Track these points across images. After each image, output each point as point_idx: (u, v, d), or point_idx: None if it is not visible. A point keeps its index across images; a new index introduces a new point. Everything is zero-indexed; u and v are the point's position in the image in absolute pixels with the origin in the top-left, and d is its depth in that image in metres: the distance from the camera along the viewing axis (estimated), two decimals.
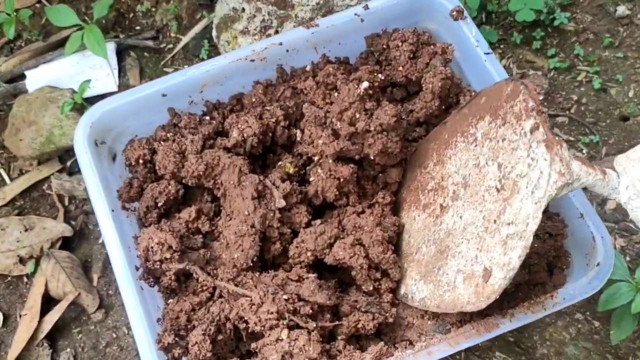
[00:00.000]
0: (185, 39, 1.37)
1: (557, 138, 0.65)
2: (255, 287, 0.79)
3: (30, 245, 1.22)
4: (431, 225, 0.81)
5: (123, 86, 1.35)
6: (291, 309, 0.75)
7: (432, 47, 0.91)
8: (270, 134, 0.91)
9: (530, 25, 1.28)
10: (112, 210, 0.85)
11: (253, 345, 0.75)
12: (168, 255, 0.80)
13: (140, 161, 0.90)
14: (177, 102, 0.94)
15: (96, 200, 0.85)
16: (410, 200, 0.87)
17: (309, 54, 0.95)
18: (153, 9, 1.42)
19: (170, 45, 1.38)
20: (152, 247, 0.81)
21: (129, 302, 0.79)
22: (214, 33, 1.29)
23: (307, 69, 0.95)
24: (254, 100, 0.94)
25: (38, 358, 1.12)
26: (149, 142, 0.92)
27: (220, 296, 0.82)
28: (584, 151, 1.16)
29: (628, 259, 1.04)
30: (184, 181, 0.90)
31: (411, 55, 0.91)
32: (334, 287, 0.83)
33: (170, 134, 0.92)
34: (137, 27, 1.41)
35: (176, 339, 0.78)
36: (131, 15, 1.42)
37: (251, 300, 0.76)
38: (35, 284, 1.17)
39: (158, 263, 0.81)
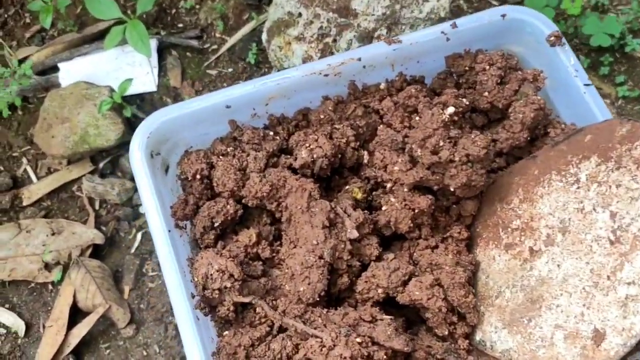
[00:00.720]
0: (231, 41, 1.30)
1: None
2: (325, 326, 0.72)
3: (57, 250, 1.15)
4: (517, 269, 0.74)
5: (162, 86, 1.27)
6: (365, 354, 0.68)
7: (520, 72, 0.84)
8: (340, 156, 0.84)
9: (599, 50, 1.21)
10: (169, 231, 0.78)
11: None
12: (229, 285, 0.73)
13: (198, 176, 0.83)
14: (239, 114, 0.87)
15: (153, 218, 0.77)
16: (488, 236, 0.80)
17: (384, 71, 0.88)
18: (197, 6, 1.34)
19: (215, 46, 1.30)
20: (211, 275, 0.74)
21: (186, 335, 0.72)
22: (263, 37, 1.22)
23: (382, 87, 0.88)
24: (321, 117, 0.87)
25: None
26: (206, 156, 0.85)
27: (280, 330, 0.75)
28: None
29: None
30: (243, 201, 0.82)
31: (498, 81, 0.84)
32: (403, 325, 0.76)
33: (231, 148, 0.85)
34: (180, 25, 1.33)
35: None
36: (174, 11, 1.35)
37: (322, 342, 0.69)
38: (62, 293, 1.10)
39: (217, 292, 0.74)
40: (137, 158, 0.80)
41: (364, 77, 0.88)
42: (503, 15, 0.85)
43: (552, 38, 0.83)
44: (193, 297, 0.76)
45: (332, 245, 0.76)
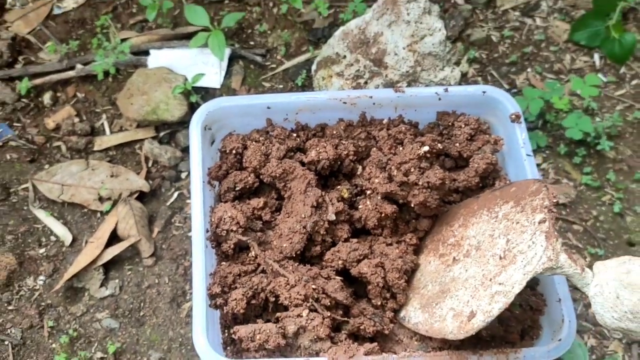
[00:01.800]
0: (287, 64, 1.61)
1: (555, 233, 0.84)
2: (293, 272, 0.99)
3: (111, 189, 1.44)
4: (441, 270, 1.00)
5: (224, 86, 1.58)
6: (315, 296, 0.95)
7: (487, 136, 1.11)
8: (339, 163, 1.12)
9: (577, 142, 1.47)
10: (203, 182, 1.07)
11: (277, 314, 0.95)
12: (234, 228, 1.02)
13: (233, 151, 1.12)
14: (275, 115, 1.16)
15: (195, 169, 1.07)
16: (431, 247, 1.06)
17: (388, 111, 1.16)
18: (269, 32, 1.66)
19: (274, 65, 1.62)
20: (224, 218, 1.02)
21: (196, 252, 1.00)
22: (313, 67, 1.53)
23: (384, 122, 1.16)
24: (334, 132, 1.15)
25: (91, 279, 1.33)
26: (243, 139, 1.14)
27: (262, 272, 1.02)
28: (587, 259, 1.33)
29: (594, 357, 1.21)
30: (261, 177, 1.11)
31: (469, 137, 1.11)
32: (350, 293, 1.03)
33: (262, 138, 1.14)
34: (251, 42, 1.65)
35: (221, 291, 0.98)
36: (249, 31, 1.67)
37: (287, 281, 0.96)
38: (107, 220, 1.40)
39: (225, 231, 1.02)
40: (194, 126, 1.10)
41: (373, 111, 1.16)
42: (484, 92, 1.13)
43: (513, 116, 1.10)
44: (207, 231, 1.04)
45: (314, 221, 1.04)
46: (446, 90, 1.13)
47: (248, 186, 1.11)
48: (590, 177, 1.44)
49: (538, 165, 1.45)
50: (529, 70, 1.61)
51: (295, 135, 1.16)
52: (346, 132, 1.16)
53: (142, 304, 1.32)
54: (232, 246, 1.02)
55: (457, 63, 1.61)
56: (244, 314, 0.98)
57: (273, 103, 1.14)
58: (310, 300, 0.94)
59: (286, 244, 1.02)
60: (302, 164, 1.11)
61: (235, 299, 0.96)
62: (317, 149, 1.10)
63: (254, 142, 1.13)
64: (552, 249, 0.83)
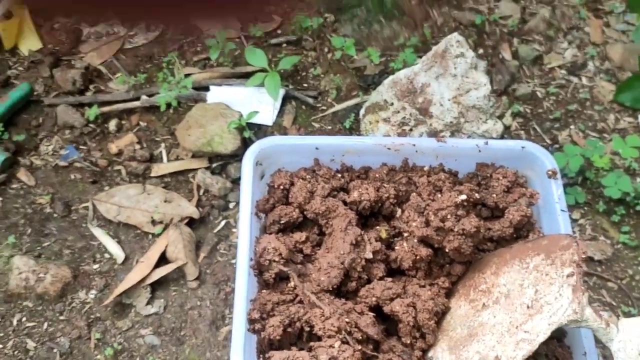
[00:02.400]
0: (337, 107, 1.69)
1: (582, 287, 0.88)
2: (328, 305, 1.05)
3: (164, 213, 1.54)
4: (470, 315, 1.04)
5: (276, 124, 1.67)
6: (348, 329, 1.00)
7: (524, 189, 1.16)
8: (380, 205, 1.18)
9: (616, 201, 1.49)
10: (251, 213, 1.15)
11: (311, 344, 1.01)
12: (277, 258, 1.08)
13: (280, 187, 1.20)
14: (323, 155, 1.24)
15: (244, 201, 1.15)
16: (462, 292, 1.11)
17: (430, 158, 1.22)
18: (322, 75, 1.76)
19: (324, 107, 1.70)
20: (267, 249, 1.09)
21: (239, 278, 1.07)
22: (361, 111, 1.60)
23: (425, 169, 1.22)
24: (377, 175, 1.22)
25: (139, 297, 1.42)
26: (291, 176, 1.22)
27: (300, 302, 1.08)
28: (620, 317, 1.34)
29: None
30: (305, 212, 1.18)
31: (505, 189, 1.16)
32: (382, 330, 1.07)
33: (309, 176, 1.21)
34: (305, 85, 1.75)
35: (260, 317, 1.05)
36: (304, 74, 1.77)
37: (322, 313, 1.02)
38: (158, 243, 1.49)
39: (267, 261, 1.09)
40: (247, 161, 1.19)
41: (415, 158, 1.23)
42: (523, 147, 1.18)
43: (550, 172, 1.15)
44: (251, 260, 1.11)
45: (352, 258, 1.10)
46: (486, 143, 1.18)
47: (292, 220, 1.18)
48: (628, 236, 1.45)
49: (575, 220, 1.48)
50: (572, 127, 1.65)
51: (340, 175, 1.23)
52: (388, 176, 1.22)
53: (183, 324, 1.39)
54: (273, 275, 1.09)
55: (501, 116, 1.66)
56: (279, 340, 1.04)
57: (321, 144, 1.21)
58: (343, 332, 0.99)
59: (324, 277, 1.08)
60: (345, 203, 1.18)
61: (273, 326, 1.02)
62: (360, 190, 1.16)
63: (300, 180, 1.20)
64: (578, 302, 0.86)
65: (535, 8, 1.91)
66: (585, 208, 1.51)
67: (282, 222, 1.17)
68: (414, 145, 1.20)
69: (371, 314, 1.05)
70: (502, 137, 1.52)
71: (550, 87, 1.73)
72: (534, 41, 1.83)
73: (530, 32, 1.85)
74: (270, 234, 1.16)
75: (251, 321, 1.05)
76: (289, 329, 1.04)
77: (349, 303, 1.07)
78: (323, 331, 1.00)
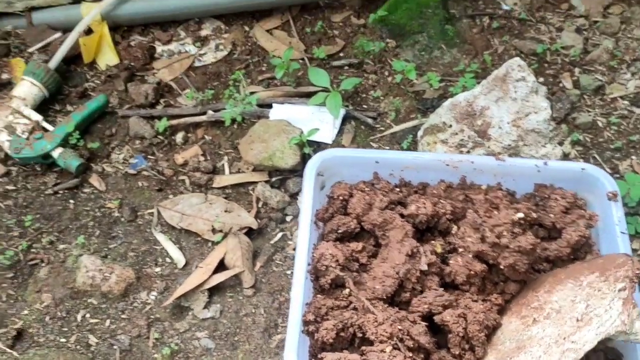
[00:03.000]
0: (396, 128, 1.73)
1: (634, 302, 0.88)
2: (382, 312, 1.07)
3: (224, 222, 1.59)
4: (520, 330, 1.04)
5: (335, 142, 1.72)
6: (400, 336, 1.02)
7: (582, 211, 1.16)
8: (436, 220, 1.20)
9: None
10: (311, 221, 1.19)
11: (362, 348, 1.03)
12: (333, 265, 1.12)
13: (340, 198, 1.24)
14: (382, 169, 1.27)
15: (305, 209, 1.19)
16: (514, 310, 1.11)
17: (488, 177, 1.24)
18: (382, 97, 1.80)
19: (383, 128, 1.74)
20: (325, 255, 1.13)
21: (297, 281, 1.11)
22: (419, 133, 1.63)
23: (482, 187, 1.24)
24: (434, 192, 1.24)
25: (197, 301, 1.47)
26: (350, 188, 1.26)
27: (354, 309, 1.11)
28: None
29: None
30: (362, 223, 1.21)
31: (564, 210, 1.17)
32: (433, 341, 1.09)
33: (368, 189, 1.25)
34: (365, 106, 1.79)
35: (314, 320, 1.08)
36: (364, 95, 1.82)
37: (375, 318, 1.05)
38: (217, 250, 1.54)
39: (324, 266, 1.12)
40: (309, 171, 1.23)
41: (473, 176, 1.25)
42: (583, 169, 1.18)
43: (610, 194, 1.15)
44: (308, 265, 1.15)
45: (407, 269, 1.12)
46: (546, 163, 1.19)
47: (350, 230, 1.21)
48: None
49: (634, 250, 1.46)
50: (633, 157, 1.64)
51: (398, 189, 1.26)
52: (446, 192, 1.25)
53: (237, 330, 1.43)
54: (329, 281, 1.12)
55: (560, 144, 1.66)
56: (332, 344, 1.06)
57: (381, 158, 1.25)
58: (395, 338, 1.01)
59: (379, 285, 1.11)
60: (402, 216, 1.21)
61: (327, 329, 1.05)
62: (417, 204, 1.19)
63: (359, 192, 1.24)
64: (627, 314, 0.86)
65: (598, 39, 1.91)
66: None
67: (339, 231, 1.21)
68: (472, 162, 1.22)
69: (423, 323, 1.06)
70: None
71: (611, 117, 1.72)
72: (596, 71, 1.83)
73: (592, 63, 1.85)
74: (328, 241, 1.20)
75: (306, 323, 1.08)
76: (342, 334, 1.07)
77: (402, 312, 1.09)
78: (375, 336, 1.02)
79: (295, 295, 1.09)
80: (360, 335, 1.06)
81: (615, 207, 1.13)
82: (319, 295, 1.14)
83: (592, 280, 0.99)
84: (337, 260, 1.12)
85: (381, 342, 1.01)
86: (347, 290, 1.12)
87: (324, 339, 1.05)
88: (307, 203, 1.20)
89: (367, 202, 1.21)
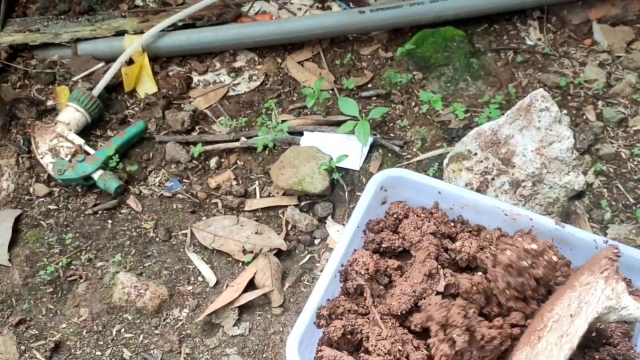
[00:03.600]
0: (422, 156, 1.78)
1: (616, 277, 0.91)
2: (389, 328, 1.11)
3: (254, 244, 1.65)
4: (529, 353, 1.06)
5: (363, 169, 1.78)
6: (397, 356, 1.06)
7: None
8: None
9: None
10: (358, 227, 1.27)
11: (361, 355, 1.08)
12: (362, 272, 1.17)
13: (394, 215, 1.31)
14: (444, 201, 1.33)
15: (356, 212, 1.27)
16: (524, 341, 1.13)
17: (544, 238, 1.19)
18: (408, 127, 1.86)
19: (409, 156, 1.80)
20: (358, 260, 1.19)
21: (325, 275, 1.18)
22: (445, 160, 1.68)
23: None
24: (487, 236, 1.28)
25: (227, 317, 1.52)
26: (408, 209, 1.33)
27: (367, 318, 1.16)
28: None
29: None
30: (404, 244, 1.27)
31: None
32: None
33: (424, 215, 1.31)
34: (392, 134, 1.86)
35: (328, 315, 1.13)
36: (391, 124, 1.88)
37: (380, 333, 1.09)
38: (248, 270, 1.60)
39: (354, 271, 1.18)
40: (372, 182, 1.31)
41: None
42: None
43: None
44: (342, 266, 1.21)
45: (423, 288, 1.16)
46: (606, 242, 1.19)
47: (393, 247, 1.27)
48: None
49: None
50: None
51: (452, 224, 1.32)
52: (498, 240, 1.27)
53: (266, 347, 1.47)
54: (355, 285, 1.17)
55: (584, 172, 1.69)
56: (337, 342, 1.11)
57: (444, 190, 1.32)
58: (392, 356, 1.05)
59: (395, 302, 1.15)
60: (446, 250, 1.26)
61: (336, 327, 1.11)
62: (464, 242, 1.24)
63: (415, 215, 1.29)
64: (610, 289, 0.89)
65: (621, 73, 1.95)
66: None
67: (383, 245, 1.27)
68: (531, 219, 1.24)
69: (425, 351, 1.09)
70: (583, 191, 1.55)
71: (635, 149, 1.75)
72: (619, 104, 1.87)
73: (615, 96, 1.89)
74: (367, 250, 1.25)
75: (319, 316, 1.13)
76: (349, 336, 1.11)
77: (411, 335, 1.12)
78: (374, 348, 1.07)
79: (319, 288, 1.15)
80: (364, 343, 1.11)
81: None
82: (342, 296, 1.19)
83: (583, 280, 1.01)
84: (367, 269, 1.17)
85: (378, 355, 1.06)
86: (369, 300, 1.16)
87: (330, 334, 1.10)
88: (360, 208, 1.27)
89: (416, 226, 1.26)
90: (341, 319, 1.13)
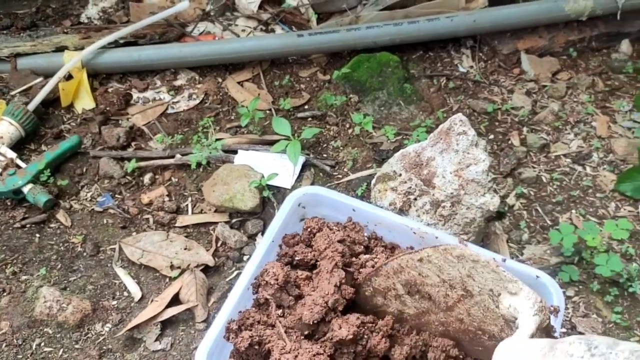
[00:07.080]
0: (352, 176, 1.83)
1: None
2: (294, 342, 1.14)
3: (182, 259, 1.66)
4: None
5: (294, 188, 1.81)
6: None
7: None
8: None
9: (610, 282, 1.55)
10: (273, 241, 1.30)
11: None
12: (272, 282, 1.20)
13: (308, 230, 1.34)
14: (359, 219, 1.39)
15: (272, 227, 1.31)
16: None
17: None
18: (341, 147, 1.91)
19: (340, 176, 1.84)
20: (268, 271, 1.21)
21: (237, 287, 1.22)
22: (373, 181, 1.73)
23: None
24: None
25: (149, 333, 1.52)
26: (322, 224, 1.36)
27: (272, 327, 1.18)
28: None
29: None
30: (316, 256, 1.30)
31: None
32: None
33: (336, 229, 1.34)
34: (324, 155, 1.90)
35: (237, 329, 1.16)
36: (324, 145, 1.93)
37: (284, 347, 1.12)
38: (173, 285, 1.60)
39: (264, 282, 1.20)
40: (289, 199, 1.35)
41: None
42: (537, 276, 1.24)
43: (552, 308, 1.13)
44: (255, 279, 1.23)
45: (335, 299, 1.19)
46: (504, 260, 1.27)
47: (306, 260, 1.29)
48: (620, 316, 1.50)
49: (569, 297, 1.54)
50: (573, 211, 1.74)
51: (367, 239, 1.36)
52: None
53: None
54: (265, 296, 1.19)
55: (505, 196, 1.76)
56: (246, 354, 1.13)
57: (358, 208, 1.37)
58: None
59: (307, 312, 1.17)
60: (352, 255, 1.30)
61: (243, 338, 1.13)
62: (375, 257, 1.28)
63: (328, 229, 1.33)
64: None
65: (545, 102, 2.05)
66: (580, 286, 1.56)
67: (296, 258, 1.29)
68: (437, 237, 1.31)
69: None
70: (498, 212, 1.61)
71: (554, 173, 1.83)
72: (542, 131, 1.96)
73: (539, 123, 1.98)
74: (278, 262, 1.28)
75: (228, 329, 1.15)
76: (256, 347, 1.13)
77: (316, 348, 1.14)
78: None
79: (230, 300, 1.17)
80: (269, 356, 1.13)
81: (555, 321, 1.11)
82: (253, 308, 1.21)
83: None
84: (277, 279, 1.19)
85: None
86: (280, 311, 1.19)
87: (238, 345, 1.12)
88: (275, 222, 1.31)
89: (327, 238, 1.29)
90: (250, 330, 1.15)
